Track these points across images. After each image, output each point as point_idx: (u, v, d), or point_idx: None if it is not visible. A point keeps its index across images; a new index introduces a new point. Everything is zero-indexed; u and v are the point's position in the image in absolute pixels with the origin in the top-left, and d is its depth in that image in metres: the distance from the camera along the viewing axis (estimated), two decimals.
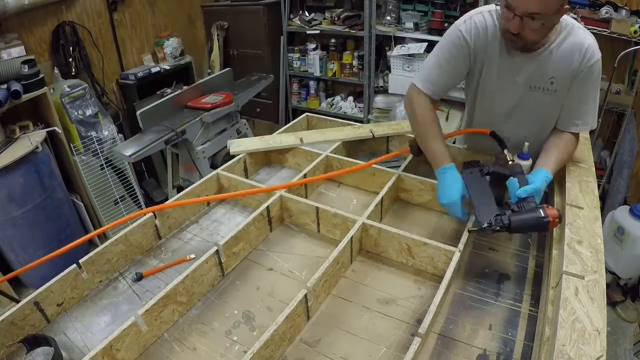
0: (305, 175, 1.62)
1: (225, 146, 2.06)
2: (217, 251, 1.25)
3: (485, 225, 1.16)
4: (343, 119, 2.24)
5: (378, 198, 1.44)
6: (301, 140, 1.85)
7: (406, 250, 1.29)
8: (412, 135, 1.81)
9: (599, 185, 2.05)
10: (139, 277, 1.30)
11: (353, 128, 1.97)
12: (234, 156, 1.80)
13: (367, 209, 1.39)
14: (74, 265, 1.22)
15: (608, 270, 2.56)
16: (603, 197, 3.08)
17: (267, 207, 1.43)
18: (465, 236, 1.26)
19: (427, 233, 1.43)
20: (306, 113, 2.25)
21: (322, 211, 1.42)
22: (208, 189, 1.65)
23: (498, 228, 1.14)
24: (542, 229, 1.15)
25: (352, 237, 1.27)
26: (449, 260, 1.19)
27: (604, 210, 2.89)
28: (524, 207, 1.17)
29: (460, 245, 1.22)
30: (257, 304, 1.20)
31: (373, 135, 1.89)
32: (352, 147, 1.95)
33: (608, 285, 2.55)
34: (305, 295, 1.08)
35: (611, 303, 2.62)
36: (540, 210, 1.13)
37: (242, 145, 1.83)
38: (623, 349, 2.39)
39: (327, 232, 1.45)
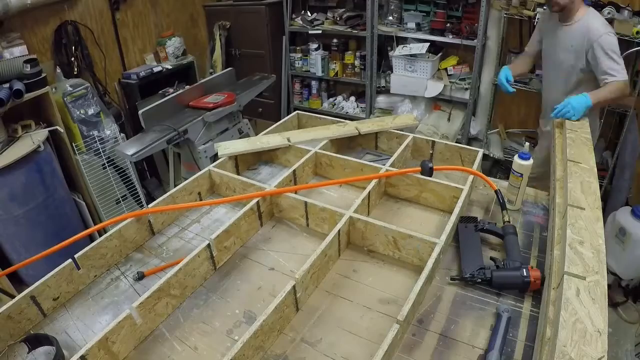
0: (294, 172, 1.66)
1: None
2: (208, 245, 1.27)
3: (468, 275, 1.21)
4: (344, 119, 2.24)
5: (365, 193, 1.47)
6: (288, 140, 1.87)
7: (392, 243, 1.31)
8: (399, 131, 1.85)
9: (600, 186, 2.05)
10: (141, 277, 1.31)
11: (339, 126, 2.00)
12: None
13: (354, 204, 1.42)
14: (69, 260, 1.23)
15: (609, 271, 2.55)
16: (605, 198, 3.06)
17: (257, 202, 1.46)
18: (447, 229, 1.28)
19: (413, 226, 1.45)
20: (297, 111, 2.26)
21: (310, 205, 1.44)
22: (200, 185, 1.67)
23: (479, 280, 1.20)
24: (522, 288, 1.19)
25: (339, 231, 1.29)
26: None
27: (605, 211, 2.88)
28: (509, 265, 1.22)
29: (443, 237, 1.25)
30: (259, 304, 1.20)
31: (359, 132, 1.91)
32: (342, 144, 1.99)
33: (609, 286, 2.54)
34: (294, 287, 1.10)
35: (612, 304, 2.61)
36: (524, 269, 1.17)
37: (229, 148, 1.84)
38: (624, 350, 2.39)
39: (316, 226, 1.47)
